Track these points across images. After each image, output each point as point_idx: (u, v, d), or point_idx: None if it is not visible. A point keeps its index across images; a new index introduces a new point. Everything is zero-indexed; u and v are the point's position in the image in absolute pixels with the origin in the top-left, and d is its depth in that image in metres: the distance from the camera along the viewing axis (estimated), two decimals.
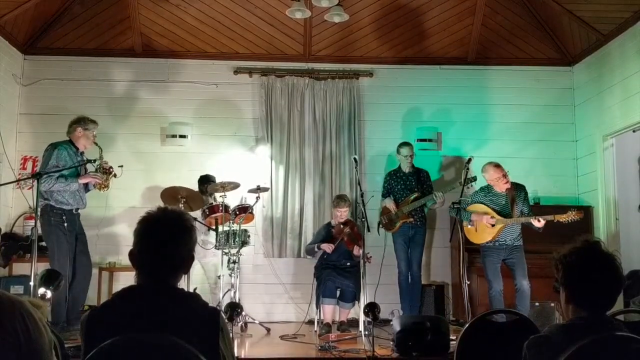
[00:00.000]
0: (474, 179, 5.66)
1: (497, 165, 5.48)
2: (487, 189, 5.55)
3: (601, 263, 1.96)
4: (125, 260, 6.46)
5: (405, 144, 6.28)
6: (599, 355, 1.83)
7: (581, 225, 6.27)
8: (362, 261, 5.26)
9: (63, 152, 5.13)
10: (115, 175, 5.40)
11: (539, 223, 5.18)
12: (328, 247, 5.85)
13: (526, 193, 5.53)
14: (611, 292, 1.97)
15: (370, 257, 5.56)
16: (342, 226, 5.90)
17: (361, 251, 5.33)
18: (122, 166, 5.45)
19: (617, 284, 1.97)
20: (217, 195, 6.07)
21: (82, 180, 5.17)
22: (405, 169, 6.20)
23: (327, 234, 6.08)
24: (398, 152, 6.25)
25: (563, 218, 5.08)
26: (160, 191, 5.97)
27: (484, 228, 5.40)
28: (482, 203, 5.50)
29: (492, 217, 5.34)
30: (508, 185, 5.43)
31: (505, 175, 5.41)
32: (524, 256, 5.40)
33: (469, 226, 5.49)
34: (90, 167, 5.41)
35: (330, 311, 5.71)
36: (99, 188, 5.32)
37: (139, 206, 6.57)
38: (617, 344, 1.86)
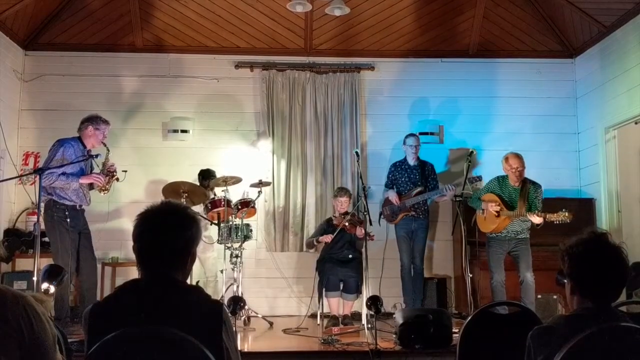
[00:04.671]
0: (480, 178, 5.65)
1: (515, 157, 5.43)
2: (502, 179, 5.54)
3: (608, 255, 1.96)
4: (127, 255, 6.49)
5: (412, 134, 6.33)
6: (603, 345, 1.83)
7: (584, 218, 6.29)
8: (365, 241, 5.25)
9: (69, 150, 5.12)
10: (117, 179, 5.40)
11: (535, 219, 5.17)
12: (327, 238, 5.85)
13: (539, 192, 5.46)
14: (617, 283, 1.97)
15: (373, 235, 5.55)
16: (342, 216, 5.90)
17: (363, 231, 5.32)
18: (125, 171, 5.45)
19: (623, 275, 1.97)
20: (219, 189, 6.08)
21: (83, 181, 5.16)
22: (411, 160, 6.20)
23: (327, 227, 6.09)
24: (404, 142, 6.27)
25: (554, 217, 5.09)
26: (162, 186, 5.98)
27: (491, 217, 5.41)
28: (494, 192, 5.51)
29: (498, 205, 5.33)
30: (518, 180, 5.41)
31: (517, 169, 5.39)
32: (529, 249, 5.39)
33: (481, 214, 5.51)
34: (95, 165, 5.42)
35: (335, 303, 5.74)
36: (99, 190, 5.32)
37: (141, 201, 6.57)
38: (622, 335, 1.86)
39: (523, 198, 5.37)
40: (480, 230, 5.56)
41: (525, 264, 5.32)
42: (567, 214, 5.04)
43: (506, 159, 5.48)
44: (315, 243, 6.05)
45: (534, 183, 5.51)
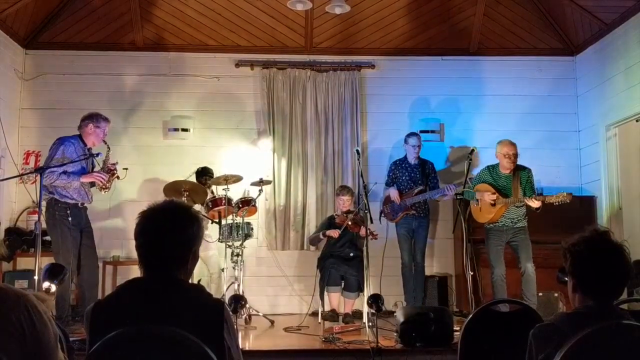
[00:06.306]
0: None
1: (511, 144, 5.46)
2: (493, 168, 5.57)
3: (609, 253, 1.96)
4: (128, 253, 6.49)
5: (413, 134, 6.30)
6: (605, 343, 1.83)
7: (584, 216, 6.30)
8: (366, 239, 5.24)
9: (70, 148, 5.12)
10: (118, 178, 5.40)
11: (533, 203, 5.18)
12: (334, 233, 5.84)
13: (531, 176, 5.50)
14: (618, 281, 1.97)
15: (377, 234, 5.55)
16: (345, 215, 5.90)
17: (366, 230, 5.33)
18: (126, 169, 5.45)
19: (625, 273, 1.97)
20: (220, 188, 6.08)
21: (84, 179, 5.16)
22: (412, 159, 6.20)
23: (329, 226, 6.09)
24: (406, 141, 6.25)
25: (553, 199, 5.11)
26: (162, 185, 5.98)
27: (487, 207, 5.40)
28: (487, 182, 5.51)
29: (494, 193, 5.34)
30: (511, 167, 5.43)
31: (510, 156, 5.40)
32: (528, 239, 5.40)
33: (476, 205, 5.50)
34: (96, 163, 5.42)
35: (336, 298, 5.75)
36: (100, 189, 5.32)
37: (141, 200, 6.57)
38: (623, 332, 1.86)
39: (517, 183, 5.39)
40: (477, 221, 5.56)
41: (525, 254, 5.32)
42: (565, 195, 5.06)
43: (501, 144, 5.49)
44: (322, 237, 6.03)
45: (524, 168, 5.54)
